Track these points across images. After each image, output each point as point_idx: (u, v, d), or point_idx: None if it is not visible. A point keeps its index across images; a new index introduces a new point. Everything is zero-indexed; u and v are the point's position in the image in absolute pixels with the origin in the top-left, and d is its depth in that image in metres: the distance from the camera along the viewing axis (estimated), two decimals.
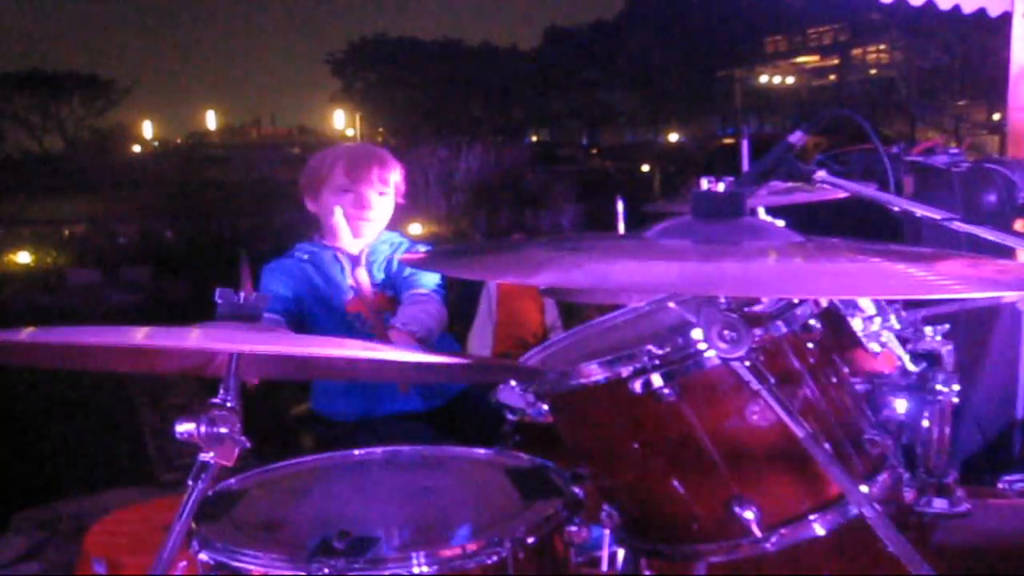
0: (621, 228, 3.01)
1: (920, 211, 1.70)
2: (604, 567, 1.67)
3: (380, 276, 2.73)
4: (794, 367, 1.51)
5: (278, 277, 2.67)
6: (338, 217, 2.66)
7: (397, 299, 2.68)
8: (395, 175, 2.73)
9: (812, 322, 1.53)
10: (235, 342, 1.41)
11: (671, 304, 1.92)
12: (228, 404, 1.39)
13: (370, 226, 2.72)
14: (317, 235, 2.77)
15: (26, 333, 1.35)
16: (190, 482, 1.37)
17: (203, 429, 1.36)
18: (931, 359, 1.84)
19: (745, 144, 3.17)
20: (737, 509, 1.46)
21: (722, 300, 1.37)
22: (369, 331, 2.64)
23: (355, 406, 2.64)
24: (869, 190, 1.81)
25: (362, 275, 2.68)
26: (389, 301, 2.70)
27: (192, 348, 1.57)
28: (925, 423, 1.83)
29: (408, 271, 2.69)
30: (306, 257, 2.71)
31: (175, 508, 1.36)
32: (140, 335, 1.37)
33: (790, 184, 2.25)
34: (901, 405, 1.83)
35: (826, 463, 1.38)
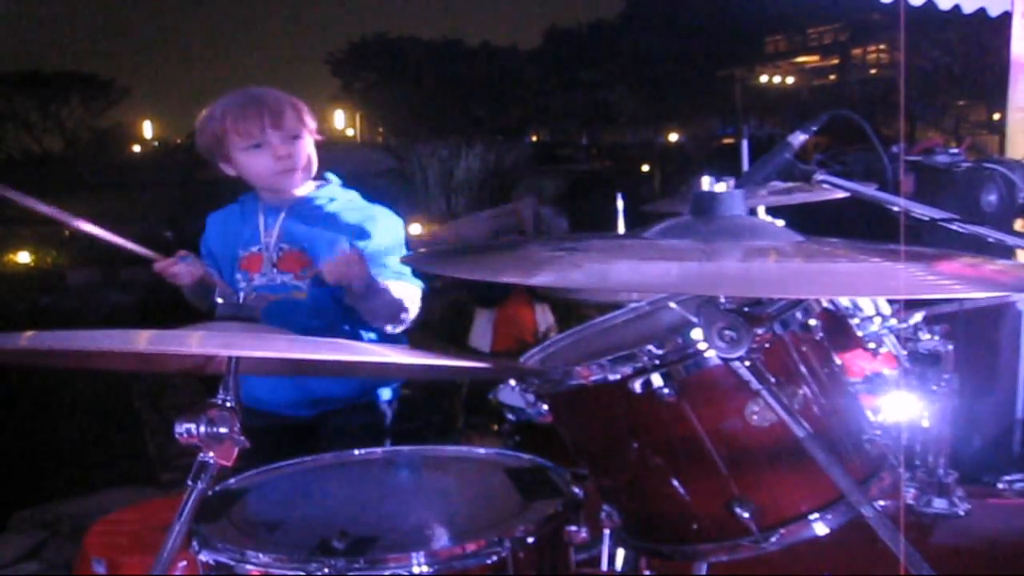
0: (621, 226, 3.01)
1: (920, 211, 1.70)
2: (604, 567, 1.67)
3: (306, 233, 2.41)
4: (794, 367, 1.51)
5: (211, 224, 2.57)
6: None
7: (310, 263, 2.38)
8: (297, 112, 2.39)
9: (812, 322, 1.52)
10: (234, 345, 1.41)
11: (671, 304, 1.92)
12: (228, 404, 1.40)
13: (298, 176, 2.41)
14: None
15: (26, 338, 1.35)
16: (190, 482, 1.37)
17: (203, 429, 1.36)
18: (931, 359, 1.85)
19: (745, 144, 3.17)
20: (737, 509, 1.46)
21: (722, 300, 1.37)
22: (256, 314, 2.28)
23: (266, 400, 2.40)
24: (869, 190, 1.81)
25: (275, 229, 2.42)
26: (297, 262, 2.40)
27: (192, 353, 1.57)
28: (925, 423, 1.83)
29: (375, 249, 2.36)
30: (238, 204, 2.54)
31: (175, 508, 1.37)
32: (141, 340, 1.37)
33: (790, 184, 2.25)
34: (901, 405, 1.83)
35: (826, 463, 1.38)
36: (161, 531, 2.20)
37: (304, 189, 2.48)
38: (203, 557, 1.45)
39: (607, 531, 1.64)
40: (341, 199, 2.48)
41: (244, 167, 2.41)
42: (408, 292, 2.38)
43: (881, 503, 1.47)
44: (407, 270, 2.39)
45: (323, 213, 2.44)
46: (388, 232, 2.45)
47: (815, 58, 49.85)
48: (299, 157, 2.40)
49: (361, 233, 2.40)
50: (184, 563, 1.86)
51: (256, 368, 1.82)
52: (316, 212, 2.44)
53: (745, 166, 3.05)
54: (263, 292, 2.38)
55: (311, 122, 2.44)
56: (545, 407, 1.63)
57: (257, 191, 2.50)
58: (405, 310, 2.38)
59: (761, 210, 2.60)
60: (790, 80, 48.17)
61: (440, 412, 4.59)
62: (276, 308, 2.27)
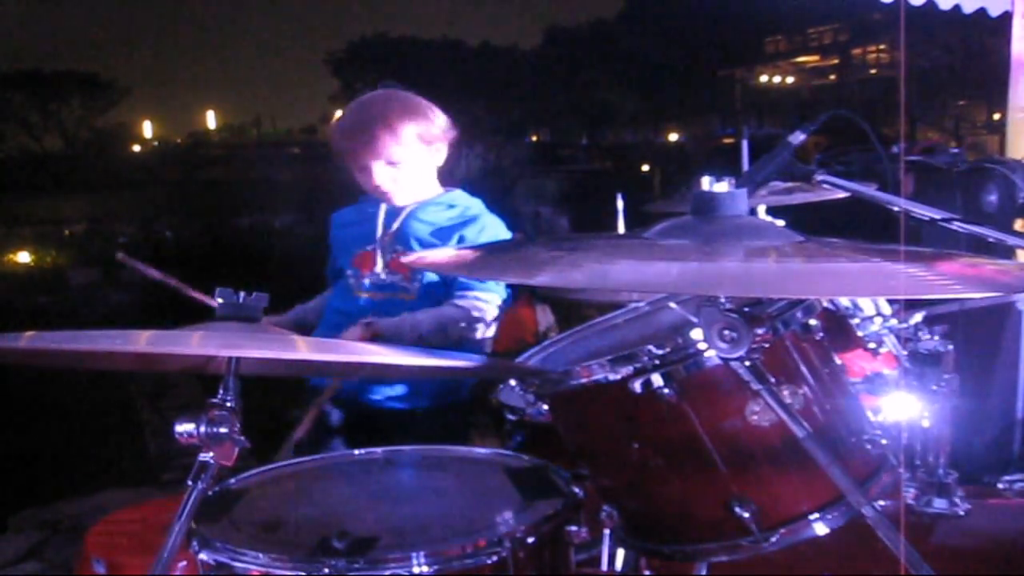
0: (621, 226, 3.01)
1: (920, 211, 1.70)
2: (604, 567, 1.67)
3: (419, 237, 2.46)
4: (794, 367, 1.51)
5: (336, 220, 2.64)
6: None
7: (417, 271, 2.45)
8: (396, 137, 2.41)
9: (812, 322, 1.52)
10: (234, 345, 1.41)
11: (671, 304, 1.92)
12: (228, 404, 1.40)
13: (399, 192, 2.48)
14: None
15: (26, 338, 1.35)
16: (190, 482, 1.37)
17: (203, 429, 1.36)
18: (931, 359, 1.84)
19: (745, 144, 3.17)
20: (737, 509, 1.46)
21: (722, 300, 1.37)
22: (354, 291, 2.48)
23: None
24: (869, 190, 1.81)
25: (392, 230, 2.48)
26: (405, 267, 2.45)
27: (192, 353, 1.57)
28: (925, 423, 1.83)
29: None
30: (361, 203, 2.61)
31: (175, 508, 1.37)
32: (141, 340, 1.37)
33: (790, 184, 2.26)
34: (901, 405, 1.83)
35: (826, 463, 1.38)
36: (161, 531, 2.20)
37: (427, 193, 2.53)
38: (203, 557, 1.45)
39: (607, 531, 1.64)
40: (460, 205, 2.53)
41: (361, 180, 2.51)
42: (465, 308, 2.40)
43: (881, 503, 1.48)
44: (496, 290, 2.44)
45: (439, 220, 2.49)
46: (487, 240, 2.47)
47: (815, 58, 49.85)
48: (397, 181, 2.47)
49: (462, 240, 2.45)
50: (184, 563, 1.86)
51: (256, 368, 1.82)
52: (433, 218, 2.49)
53: (745, 166, 3.04)
54: (371, 290, 2.47)
55: (421, 140, 2.46)
56: (545, 407, 1.63)
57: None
58: (463, 326, 2.41)
59: (761, 210, 2.60)
60: (790, 80, 48.17)
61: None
62: (382, 306, 2.40)
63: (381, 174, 2.44)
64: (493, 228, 2.51)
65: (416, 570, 1.38)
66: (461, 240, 2.45)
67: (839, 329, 1.98)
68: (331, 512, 1.61)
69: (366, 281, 2.48)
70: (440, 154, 2.53)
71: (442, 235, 2.47)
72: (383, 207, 2.52)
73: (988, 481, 2.05)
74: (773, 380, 1.38)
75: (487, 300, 2.44)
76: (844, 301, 2.04)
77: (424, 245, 2.45)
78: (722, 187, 1.46)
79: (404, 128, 2.43)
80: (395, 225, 2.48)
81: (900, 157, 3.43)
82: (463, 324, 2.42)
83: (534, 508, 1.54)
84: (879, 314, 2.02)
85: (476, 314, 2.43)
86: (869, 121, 1.87)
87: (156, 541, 2.31)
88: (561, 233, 5.38)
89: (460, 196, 2.56)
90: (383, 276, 2.47)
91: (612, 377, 1.48)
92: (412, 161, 2.46)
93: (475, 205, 2.56)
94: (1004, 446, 3.13)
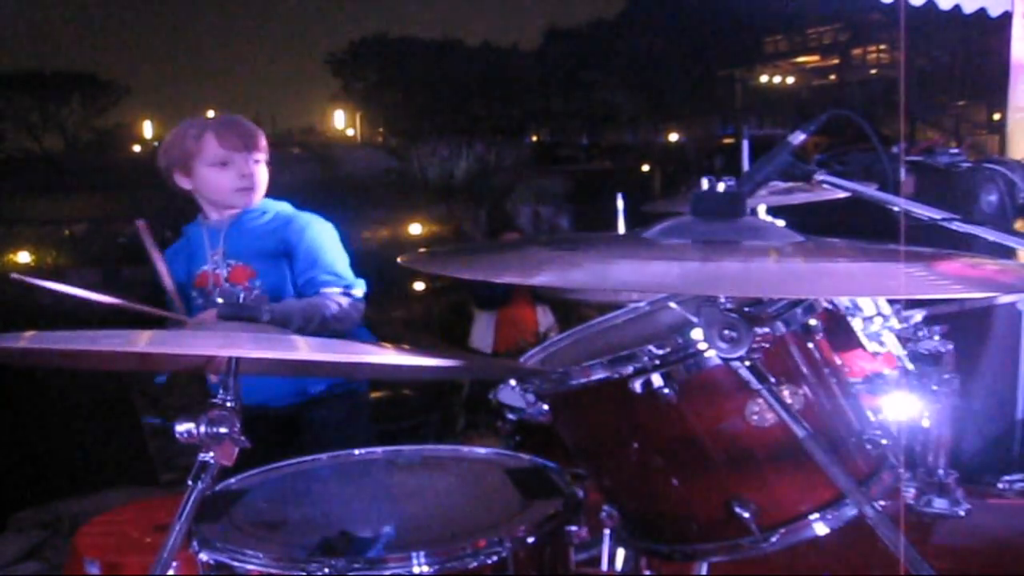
0: (621, 225, 3.01)
1: (920, 211, 1.70)
2: (604, 567, 1.67)
3: (245, 246, 2.63)
4: (794, 367, 1.51)
5: (170, 261, 2.69)
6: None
7: (256, 274, 2.61)
8: (264, 142, 2.69)
9: (812, 322, 1.52)
10: (234, 345, 1.41)
11: (671, 304, 1.92)
12: (228, 404, 1.40)
13: (254, 196, 2.65)
14: (200, 212, 2.75)
15: (26, 338, 1.35)
16: (190, 482, 1.37)
17: (203, 429, 1.36)
18: (931, 359, 1.84)
19: (745, 144, 3.17)
20: (737, 509, 1.46)
21: (722, 300, 1.37)
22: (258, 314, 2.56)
23: None
24: (869, 190, 1.81)
25: (219, 246, 2.64)
26: (244, 273, 2.62)
27: (192, 353, 1.57)
28: (925, 423, 1.83)
29: (306, 254, 2.60)
30: (183, 236, 2.77)
31: (175, 508, 1.37)
32: (141, 340, 1.37)
33: (790, 184, 2.25)
34: (901, 405, 1.83)
35: (826, 463, 1.38)
36: (155, 531, 2.21)
37: (238, 208, 2.67)
38: (203, 557, 1.45)
39: (607, 531, 1.64)
40: (272, 211, 2.70)
41: (207, 182, 2.64)
42: (326, 300, 2.55)
43: (881, 503, 1.47)
44: (344, 273, 2.62)
45: (259, 227, 2.66)
46: (316, 239, 2.64)
47: (815, 58, 49.80)
48: (261, 179, 2.65)
49: (289, 242, 2.62)
50: (176, 563, 1.85)
51: (256, 368, 1.82)
52: (253, 227, 2.66)
53: (745, 166, 3.04)
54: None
55: (267, 149, 2.71)
56: (545, 407, 1.63)
57: (201, 215, 2.73)
58: (323, 318, 2.51)
59: (761, 210, 2.59)
60: (790, 80, 48.14)
61: (440, 412, 4.59)
62: None
63: (246, 169, 2.61)
64: (315, 224, 2.67)
65: (416, 570, 1.38)
66: (286, 243, 2.62)
67: (839, 329, 1.98)
68: (331, 512, 1.61)
69: (214, 297, 2.61)
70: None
71: (270, 239, 2.64)
72: (203, 230, 2.69)
73: (988, 481, 2.05)
74: (773, 380, 1.38)
75: (356, 295, 2.61)
76: (844, 301, 2.04)
77: (254, 254, 2.63)
78: (722, 187, 1.46)
79: (260, 131, 2.71)
80: (220, 241, 2.65)
81: (900, 157, 3.43)
82: (340, 307, 2.54)
83: (534, 508, 1.54)
84: (879, 314, 2.02)
85: (349, 301, 2.58)
86: (869, 121, 1.86)
87: (149, 541, 2.32)
88: (561, 233, 5.39)
89: (270, 203, 2.72)
90: (227, 290, 2.60)
91: (612, 377, 1.48)
92: (265, 167, 2.68)
93: (286, 207, 2.73)
94: (1004, 446, 3.13)
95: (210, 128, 2.62)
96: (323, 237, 2.66)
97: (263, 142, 2.68)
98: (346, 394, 2.70)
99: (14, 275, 2.70)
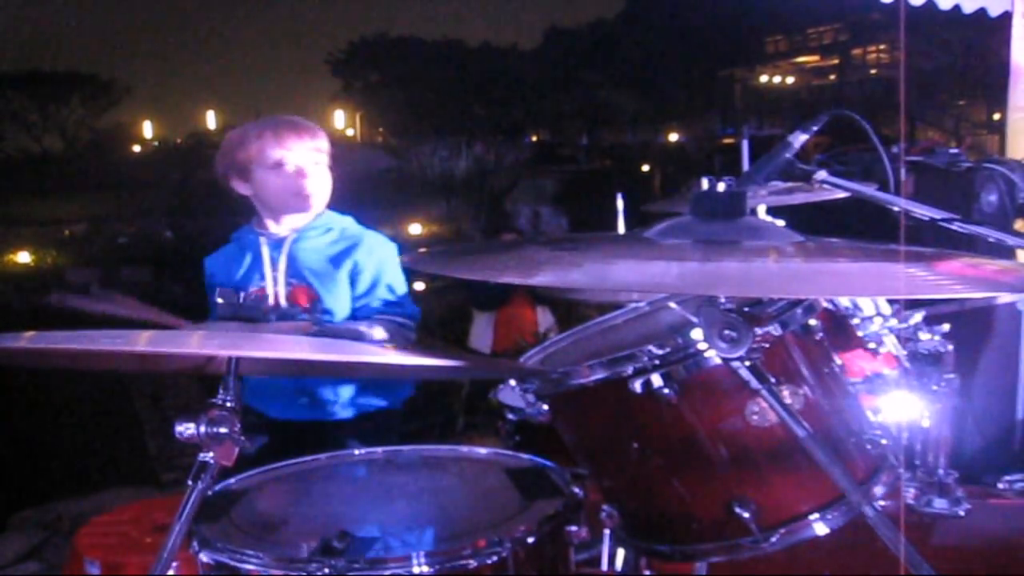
0: (621, 225, 3.01)
1: (920, 211, 1.70)
2: (604, 567, 1.67)
3: (308, 265, 2.47)
4: (794, 367, 1.51)
5: (212, 266, 2.59)
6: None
7: (318, 297, 2.44)
8: (325, 142, 2.51)
9: (812, 322, 1.52)
10: (234, 345, 1.41)
11: (671, 304, 1.92)
12: (228, 404, 1.40)
13: (313, 200, 2.48)
14: (255, 218, 2.57)
15: (26, 338, 1.35)
16: (190, 482, 1.37)
17: (203, 429, 1.36)
18: (931, 359, 1.85)
19: (745, 144, 3.16)
20: (737, 509, 1.46)
21: (722, 300, 1.37)
22: (258, 314, 2.43)
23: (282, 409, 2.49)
24: (869, 190, 1.81)
25: (280, 263, 2.47)
26: (305, 295, 2.45)
27: (192, 353, 1.57)
28: (925, 423, 1.83)
29: (370, 279, 2.45)
30: (234, 242, 2.60)
31: (175, 508, 1.37)
32: (141, 340, 1.37)
33: (790, 184, 2.25)
34: (901, 405, 1.83)
35: (826, 463, 1.38)
36: (155, 531, 2.20)
37: (304, 219, 2.51)
38: (203, 557, 1.45)
39: (607, 531, 1.64)
40: (336, 227, 2.53)
41: (265, 185, 2.47)
42: (374, 326, 2.40)
43: (881, 503, 1.48)
44: (401, 299, 2.47)
45: (324, 246, 2.49)
46: (381, 264, 2.49)
47: (815, 58, 49.79)
48: (322, 183, 2.48)
49: (355, 266, 2.46)
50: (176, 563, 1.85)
51: (256, 368, 1.82)
52: (317, 245, 2.50)
53: (745, 166, 3.04)
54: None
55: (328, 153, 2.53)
56: (545, 407, 1.63)
57: (255, 220, 2.55)
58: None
59: (761, 210, 2.59)
60: (790, 80, 48.14)
61: (440, 412, 4.59)
62: None
63: (305, 169, 2.46)
64: (381, 248, 2.52)
65: (416, 570, 1.38)
66: (351, 265, 2.46)
67: (839, 329, 1.98)
68: (331, 512, 1.61)
69: (271, 316, 2.45)
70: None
71: (334, 261, 2.47)
72: (264, 240, 2.51)
73: (988, 481, 2.05)
74: (773, 380, 1.38)
75: (409, 323, 2.47)
76: (844, 301, 2.04)
77: (317, 276, 2.46)
78: (722, 187, 1.46)
79: (322, 132, 2.54)
80: (282, 257, 2.47)
81: (900, 157, 3.43)
82: (386, 340, 2.40)
83: (534, 508, 1.54)
84: (879, 314, 2.02)
85: (394, 328, 2.43)
86: (869, 121, 1.86)
87: (149, 541, 2.31)
88: (561, 233, 5.38)
89: (334, 217, 2.55)
90: (286, 311, 2.45)
91: (612, 377, 1.48)
92: (326, 172, 2.52)
93: (350, 223, 2.56)
94: (1004, 446, 3.13)
95: (268, 128, 2.48)
96: (389, 263, 2.50)
97: (324, 143, 2.50)
98: (390, 413, 2.56)
99: (54, 296, 2.52)
